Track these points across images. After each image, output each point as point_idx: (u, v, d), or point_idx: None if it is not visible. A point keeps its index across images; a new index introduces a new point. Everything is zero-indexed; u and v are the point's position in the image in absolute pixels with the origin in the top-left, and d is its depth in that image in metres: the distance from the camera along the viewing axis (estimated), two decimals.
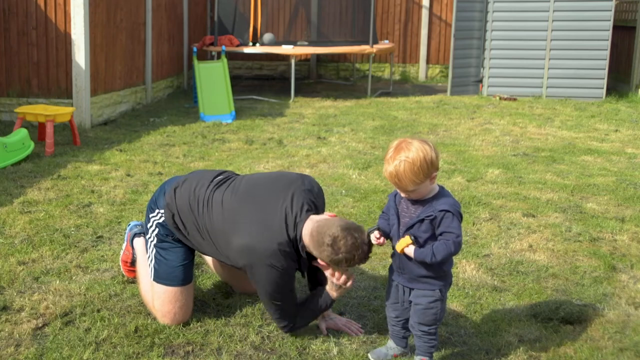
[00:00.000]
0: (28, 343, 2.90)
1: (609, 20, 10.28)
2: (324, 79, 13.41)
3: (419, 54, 13.48)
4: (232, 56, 12.15)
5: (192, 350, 2.89)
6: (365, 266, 3.82)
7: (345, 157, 6.48)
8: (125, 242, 3.54)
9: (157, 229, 3.12)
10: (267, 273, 2.79)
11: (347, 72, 13.50)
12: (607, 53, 10.38)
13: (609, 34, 10.32)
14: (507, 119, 8.75)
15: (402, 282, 2.72)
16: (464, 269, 3.80)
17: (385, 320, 2.92)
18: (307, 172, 5.79)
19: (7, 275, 3.56)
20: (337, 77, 13.52)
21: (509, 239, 4.30)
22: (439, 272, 2.64)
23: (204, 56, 11.24)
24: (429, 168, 2.52)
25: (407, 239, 2.59)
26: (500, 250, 4.11)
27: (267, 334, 3.03)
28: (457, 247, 2.56)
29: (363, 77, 12.93)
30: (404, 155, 2.51)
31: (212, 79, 9.18)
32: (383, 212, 2.80)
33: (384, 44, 11.68)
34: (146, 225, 3.20)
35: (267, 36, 11.32)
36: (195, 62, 9.39)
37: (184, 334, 3.01)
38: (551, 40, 10.54)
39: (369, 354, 2.86)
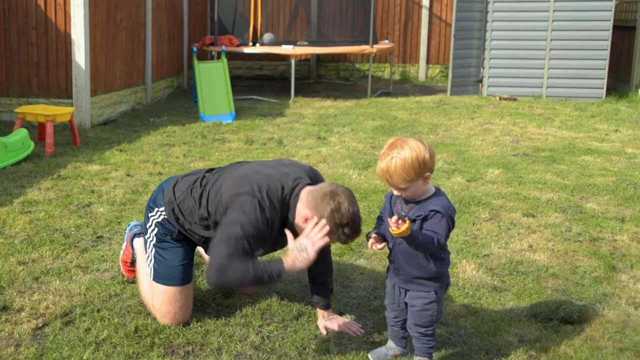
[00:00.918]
0: (28, 343, 2.90)
1: (609, 20, 10.28)
2: (324, 79, 13.41)
3: (419, 54, 13.47)
4: (232, 56, 12.15)
5: (192, 350, 2.89)
6: (365, 266, 3.82)
7: (345, 157, 6.48)
8: (125, 242, 3.55)
9: (156, 229, 3.13)
10: (248, 202, 2.76)
11: (347, 72, 13.50)
12: (607, 53, 10.38)
13: (609, 34, 10.32)
14: (507, 119, 8.75)
15: (398, 283, 2.73)
16: (464, 269, 3.80)
17: (385, 320, 2.91)
18: None
19: (7, 275, 3.56)
20: (337, 77, 13.52)
21: (509, 239, 4.30)
22: (433, 272, 2.62)
23: (204, 56, 11.24)
24: (420, 167, 2.51)
25: (407, 223, 2.43)
26: (500, 250, 4.11)
27: (267, 334, 3.03)
28: (437, 248, 2.55)
29: (363, 77, 12.92)
30: (396, 152, 2.51)
31: (212, 79, 9.18)
32: (380, 215, 2.80)
33: (384, 44, 11.68)
34: (145, 225, 3.21)
35: (267, 36, 11.32)
36: (195, 62, 9.39)
37: (184, 334, 3.01)
38: (551, 40, 10.54)
39: (369, 354, 2.86)
